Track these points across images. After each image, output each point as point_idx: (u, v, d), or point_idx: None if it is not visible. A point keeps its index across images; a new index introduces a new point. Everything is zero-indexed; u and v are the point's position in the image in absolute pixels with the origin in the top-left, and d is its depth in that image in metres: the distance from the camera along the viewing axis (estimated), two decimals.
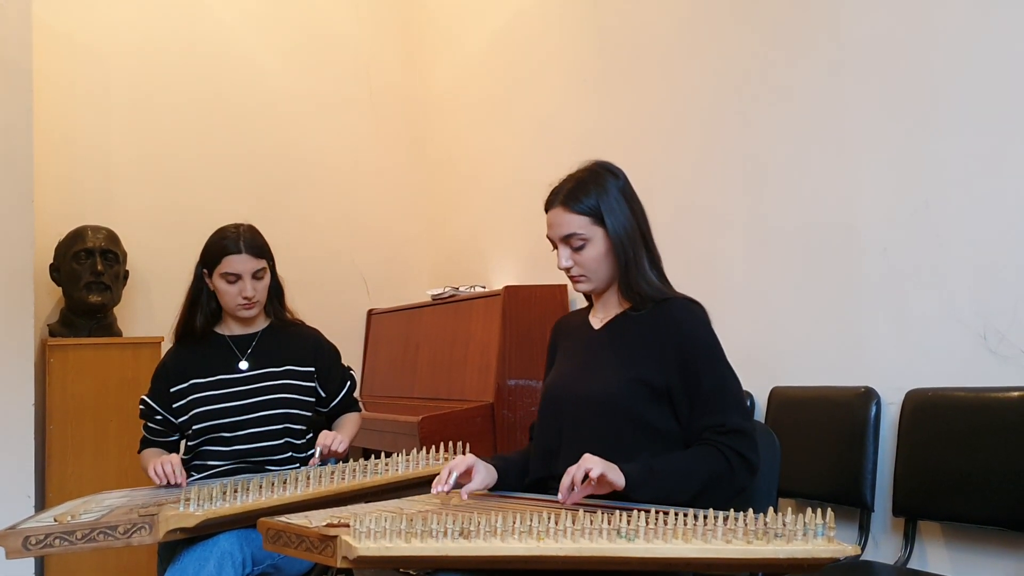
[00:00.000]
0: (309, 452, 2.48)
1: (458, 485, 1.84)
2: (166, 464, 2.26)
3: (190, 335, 2.49)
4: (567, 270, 1.94)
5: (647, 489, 1.71)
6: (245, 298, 2.40)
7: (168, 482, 2.26)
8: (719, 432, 1.78)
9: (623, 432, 1.83)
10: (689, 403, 1.83)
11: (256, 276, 2.42)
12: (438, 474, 1.88)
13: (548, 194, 1.95)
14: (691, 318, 1.87)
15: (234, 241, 2.39)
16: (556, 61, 4.02)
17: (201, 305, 2.47)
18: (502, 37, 4.41)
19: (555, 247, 1.95)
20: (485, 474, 1.89)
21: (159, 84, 4.37)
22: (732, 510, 1.56)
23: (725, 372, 1.85)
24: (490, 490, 1.92)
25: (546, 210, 1.95)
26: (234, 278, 2.39)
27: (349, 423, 2.57)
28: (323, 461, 2.36)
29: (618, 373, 1.86)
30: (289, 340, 2.52)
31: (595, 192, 1.89)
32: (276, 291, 2.53)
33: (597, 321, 2.00)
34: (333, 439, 2.37)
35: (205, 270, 2.44)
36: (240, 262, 2.38)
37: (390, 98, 4.98)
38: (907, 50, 2.56)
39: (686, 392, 1.83)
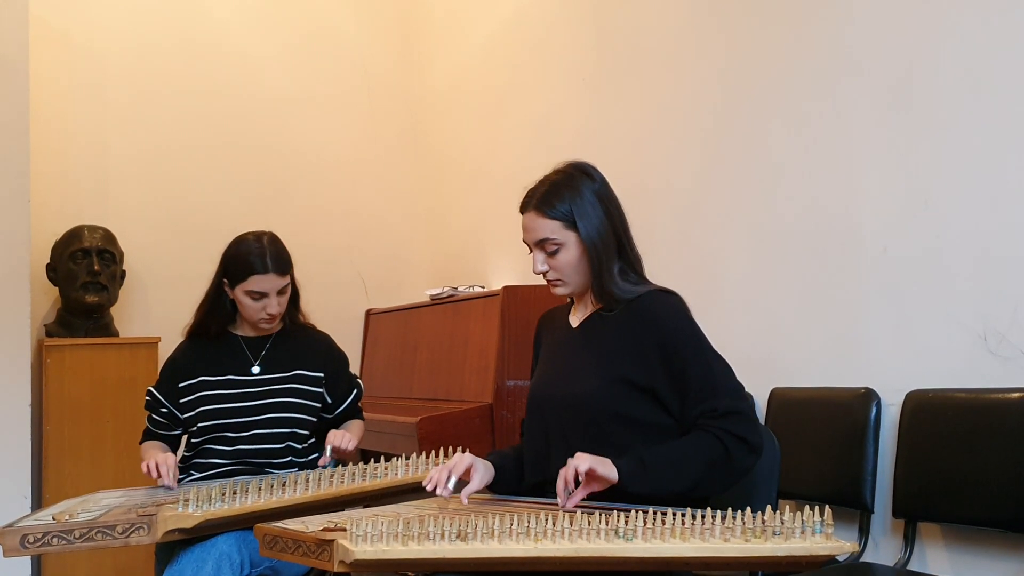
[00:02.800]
0: (311, 456, 2.47)
1: (458, 485, 1.83)
2: (161, 465, 2.25)
3: (203, 335, 2.48)
4: (543, 274, 1.93)
5: (641, 482, 1.70)
6: (269, 314, 2.39)
7: (163, 483, 2.25)
8: (713, 417, 1.76)
9: (609, 431, 1.81)
10: (680, 395, 1.81)
11: (280, 292, 2.40)
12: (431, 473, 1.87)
13: (523, 196, 1.93)
14: (667, 310, 1.85)
15: (261, 259, 2.35)
16: (556, 59, 4.01)
17: (218, 311, 2.45)
18: (501, 34, 4.41)
19: (531, 250, 1.94)
20: (484, 472, 1.88)
21: (156, 82, 4.36)
22: (730, 509, 1.55)
23: (710, 357, 1.82)
24: (489, 488, 1.91)
25: (521, 212, 1.93)
26: (259, 296, 2.37)
27: (354, 428, 2.57)
28: (334, 461, 2.37)
29: (597, 374, 1.85)
30: (301, 345, 2.51)
31: (568, 196, 1.86)
32: (292, 296, 2.51)
33: (575, 320, 1.99)
34: (343, 438, 2.38)
35: (227, 280, 2.41)
36: (267, 282, 2.36)
37: (388, 96, 4.97)
38: (909, 50, 2.56)
39: (674, 385, 1.81)
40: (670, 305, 1.86)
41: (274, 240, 2.43)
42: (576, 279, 1.91)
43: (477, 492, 1.89)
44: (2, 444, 3.53)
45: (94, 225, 3.95)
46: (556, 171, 1.93)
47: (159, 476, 2.25)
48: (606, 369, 1.85)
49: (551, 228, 1.87)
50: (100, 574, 3.72)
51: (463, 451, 1.98)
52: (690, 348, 1.82)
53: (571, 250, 1.87)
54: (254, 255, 2.36)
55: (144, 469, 2.27)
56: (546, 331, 2.09)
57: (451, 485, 1.81)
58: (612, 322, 1.89)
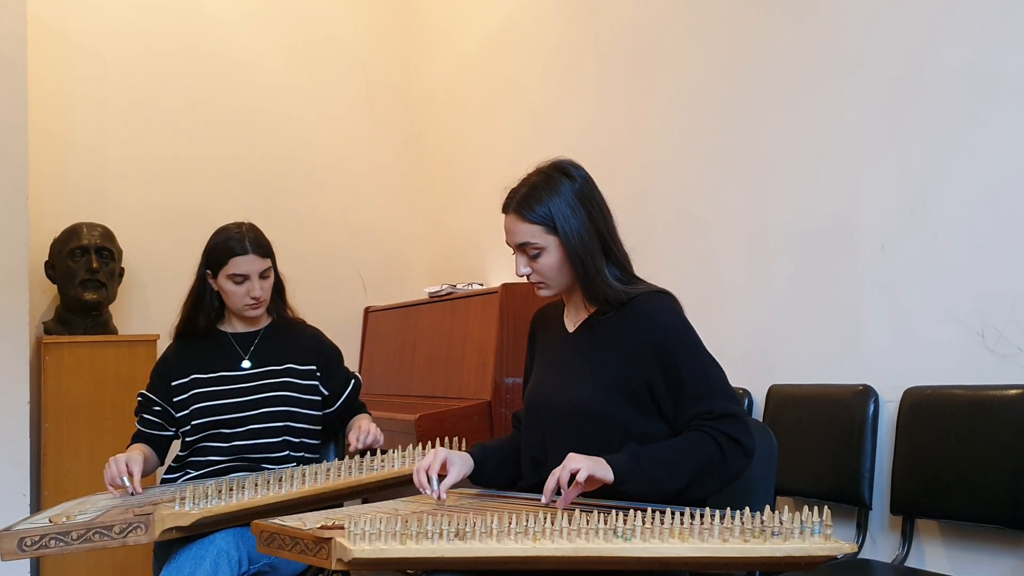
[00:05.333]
0: (311, 454, 2.47)
1: (437, 479, 1.83)
2: (120, 476, 2.16)
3: (192, 334, 2.48)
4: (526, 277, 1.92)
5: (636, 480, 1.69)
6: (253, 298, 2.40)
7: (126, 486, 2.18)
8: (707, 418, 1.75)
9: (605, 438, 1.80)
10: (673, 396, 1.80)
11: (263, 275, 2.41)
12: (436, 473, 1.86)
13: (505, 196, 1.91)
14: (661, 310, 1.84)
15: (239, 242, 2.37)
16: (554, 58, 4.01)
17: (204, 306, 2.45)
18: (499, 33, 4.40)
19: (514, 252, 1.93)
20: (461, 464, 1.88)
21: (155, 81, 4.35)
22: (728, 509, 1.55)
23: (704, 360, 1.81)
24: (470, 479, 1.91)
25: (503, 212, 1.91)
26: (241, 279, 2.38)
27: (366, 421, 2.52)
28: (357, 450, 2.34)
29: (594, 380, 1.84)
30: (291, 339, 2.51)
31: (548, 199, 1.84)
32: (278, 288, 2.52)
33: (571, 323, 1.98)
34: (370, 431, 2.33)
35: (209, 271, 2.42)
36: (247, 263, 2.37)
37: (387, 95, 4.97)
38: (908, 47, 2.56)
39: (668, 386, 1.80)
40: (664, 306, 1.85)
41: (253, 227, 2.44)
42: (559, 281, 1.90)
43: (469, 487, 1.89)
44: (1, 442, 3.53)
45: (92, 223, 3.95)
46: (537, 171, 1.91)
47: (119, 484, 2.17)
48: (603, 376, 1.84)
49: (531, 232, 1.85)
50: (99, 574, 3.72)
51: (461, 447, 1.97)
52: (684, 349, 1.81)
53: (552, 254, 1.86)
54: (233, 240, 2.38)
55: (107, 473, 2.19)
56: (541, 332, 2.07)
57: (435, 486, 1.80)
58: (607, 326, 1.87)
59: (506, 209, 1.90)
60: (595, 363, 1.86)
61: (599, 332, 1.89)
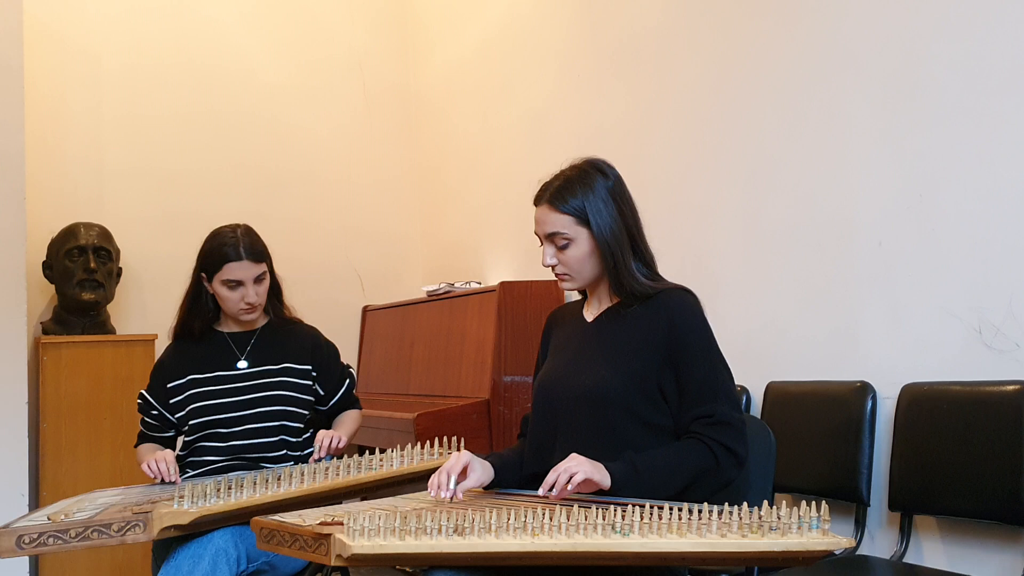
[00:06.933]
0: (307, 451, 2.47)
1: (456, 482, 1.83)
2: (160, 461, 2.26)
3: (188, 335, 2.49)
4: (552, 267, 1.94)
5: (632, 488, 1.72)
6: (248, 304, 2.40)
7: (162, 479, 2.26)
8: (707, 424, 1.78)
9: (617, 426, 1.82)
10: (679, 393, 1.82)
11: (257, 281, 2.41)
12: (433, 471, 1.87)
13: (538, 189, 1.95)
14: (683, 308, 1.86)
15: (234, 247, 2.36)
16: (551, 56, 4.01)
17: (200, 308, 2.46)
18: (496, 32, 4.40)
19: (542, 243, 1.95)
20: (481, 471, 1.88)
21: (151, 81, 4.35)
22: (727, 504, 1.55)
23: (716, 363, 1.84)
24: (487, 488, 1.91)
25: (534, 204, 1.95)
26: (235, 284, 2.38)
27: (349, 420, 2.56)
28: (320, 459, 2.36)
29: (611, 367, 1.86)
30: (287, 338, 2.51)
31: (581, 192, 1.88)
32: (274, 289, 2.52)
33: (590, 314, 1.99)
34: (331, 439, 2.37)
35: (204, 274, 2.42)
36: (241, 269, 2.37)
37: (384, 94, 4.97)
38: (903, 44, 2.56)
39: (677, 382, 1.82)
40: (687, 304, 1.88)
41: (248, 231, 2.44)
42: (584, 274, 1.92)
43: (473, 488, 1.89)
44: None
45: (90, 222, 3.95)
46: (572, 166, 1.95)
47: (161, 475, 2.25)
48: (619, 363, 1.86)
49: (562, 223, 1.88)
50: (98, 572, 3.72)
51: (460, 447, 1.97)
52: (699, 347, 1.84)
53: (581, 246, 1.89)
54: (228, 245, 2.37)
55: (145, 469, 2.28)
56: (557, 327, 2.09)
57: (452, 486, 1.80)
58: (628, 317, 1.90)
59: (538, 201, 1.93)
60: (611, 350, 1.88)
61: (619, 321, 1.91)
